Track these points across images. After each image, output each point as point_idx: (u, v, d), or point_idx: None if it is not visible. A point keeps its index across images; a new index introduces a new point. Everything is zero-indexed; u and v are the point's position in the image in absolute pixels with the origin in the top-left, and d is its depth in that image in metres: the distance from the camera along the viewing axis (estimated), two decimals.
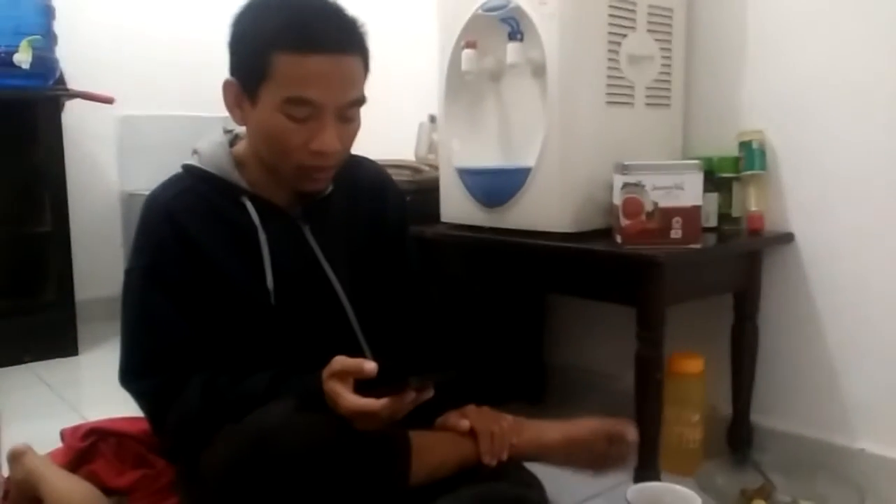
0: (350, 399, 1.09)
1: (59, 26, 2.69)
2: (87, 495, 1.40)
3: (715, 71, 1.83)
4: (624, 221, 1.49)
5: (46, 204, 2.68)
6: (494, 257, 1.80)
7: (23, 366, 2.56)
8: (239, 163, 1.30)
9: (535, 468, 1.32)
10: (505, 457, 1.25)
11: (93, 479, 1.48)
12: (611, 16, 1.61)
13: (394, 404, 1.09)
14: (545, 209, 1.63)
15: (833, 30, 1.65)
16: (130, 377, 1.25)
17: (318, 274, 1.33)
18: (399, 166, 2.00)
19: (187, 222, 1.25)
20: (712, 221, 1.70)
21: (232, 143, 1.34)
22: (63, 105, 2.70)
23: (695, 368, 1.73)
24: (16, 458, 1.44)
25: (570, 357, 2.19)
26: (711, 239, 1.66)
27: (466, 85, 1.78)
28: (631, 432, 1.30)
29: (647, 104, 1.73)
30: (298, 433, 1.09)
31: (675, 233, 1.49)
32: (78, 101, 2.75)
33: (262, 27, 1.19)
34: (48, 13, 2.64)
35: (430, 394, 1.11)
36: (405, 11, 2.67)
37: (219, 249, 1.25)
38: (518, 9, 1.62)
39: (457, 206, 1.82)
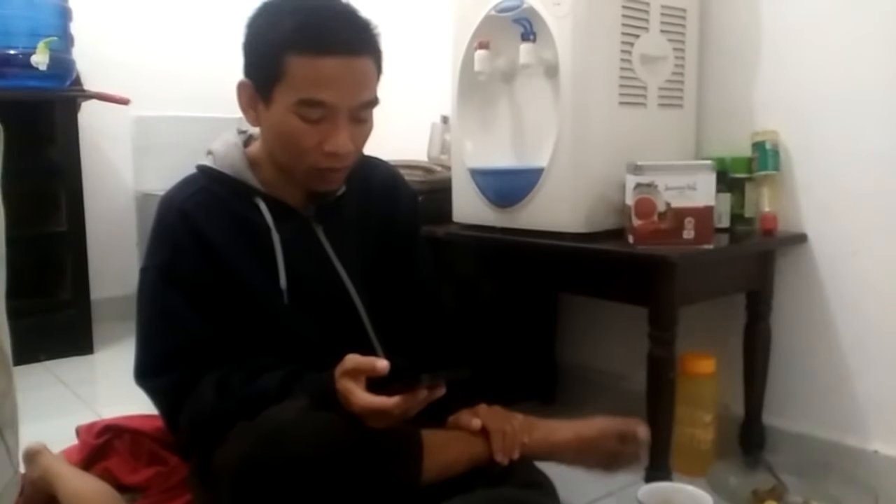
0: (362, 397, 1.10)
1: (75, 28, 2.71)
2: (101, 493, 1.42)
3: (728, 71, 1.83)
4: (636, 222, 1.49)
5: (62, 204, 2.70)
6: (506, 257, 1.80)
7: (39, 364, 2.59)
8: (253, 163, 1.32)
9: (546, 467, 1.32)
10: (516, 455, 1.26)
11: (107, 475, 1.50)
12: (624, 16, 1.61)
13: (406, 402, 1.09)
14: (557, 209, 1.62)
15: (847, 30, 1.64)
16: (145, 375, 1.26)
17: (330, 274, 1.34)
18: (411, 167, 2.00)
19: (202, 222, 1.26)
20: (725, 222, 1.70)
21: (246, 143, 1.35)
22: (79, 106, 2.72)
23: (707, 369, 1.73)
24: (31, 457, 1.46)
25: (582, 357, 2.18)
26: (724, 239, 1.65)
27: (479, 85, 1.78)
28: (642, 431, 1.31)
29: (660, 104, 1.72)
30: (311, 431, 1.10)
31: (688, 233, 1.48)
32: (94, 101, 2.76)
33: (276, 29, 1.20)
34: (65, 15, 2.66)
35: (441, 392, 1.12)
36: (418, 12, 2.67)
37: (233, 249, 1.27)
38: (531, 9, 1.62)
39: (469, 207, 1.82)
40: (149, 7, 3.25)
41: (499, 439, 1.26)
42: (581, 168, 1.60)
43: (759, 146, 1.71)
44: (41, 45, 2.51)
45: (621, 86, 1.63)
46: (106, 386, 2.53)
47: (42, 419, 1.86)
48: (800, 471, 1.57)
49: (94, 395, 2.40)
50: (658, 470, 1.52)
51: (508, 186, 1.71)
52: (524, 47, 1.64)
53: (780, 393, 1.78)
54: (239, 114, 1.29)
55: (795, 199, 1.73)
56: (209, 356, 1.23)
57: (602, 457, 1.32)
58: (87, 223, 2.74)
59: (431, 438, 1.21)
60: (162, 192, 1.34)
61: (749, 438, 1.78)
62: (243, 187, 1.30)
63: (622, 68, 1.63)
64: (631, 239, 1.52)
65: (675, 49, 1.73)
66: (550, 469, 1.32)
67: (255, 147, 1.34)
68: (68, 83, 2.66)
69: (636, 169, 1.50)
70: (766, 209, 1.70)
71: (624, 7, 1.61)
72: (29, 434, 1.25)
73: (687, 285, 1.52)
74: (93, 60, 2.83)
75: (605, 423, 1.32)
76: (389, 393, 1.09)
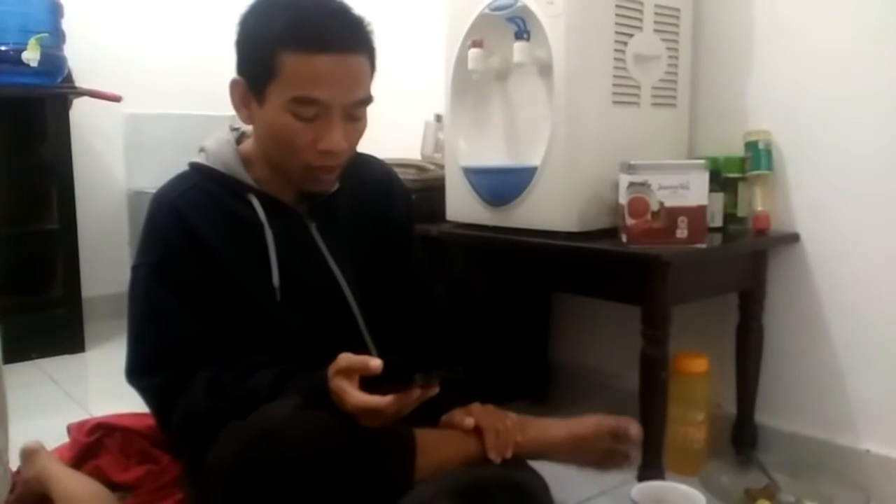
0: (356, 396, 1.10)
1: (66, 24, 2.71)
2: (95, 494, 1.42)
3: (721, 70, 1.83)
4: (629, 221, 1.49)
5: (54, 201, 2.70)
6: (500, 256, 1.80)
7: (30, 362, 2.59)
8: (245, 160, 1.31)
9: (539, 465, 1.32)
10: (510, 454, 1.26)
11: (98, 473, 1.50)
12: (618, 15, 1.61)
13: (399, 401, 1.09)
14: (551, 208, 1.62)
15: (841, 30, 1.64)
16: (137, 373, 1.26)
17: (323, 271, 1.34)
18: (405, 165, 2.00)
19: (194, 219, 1.25)
20: (718, 221, 1.70)
21: (238, 141, 1.35)
22: (71, 103, 2.71)
23: (699, 368, 1.73)
24: (28, 456, 1.46)
25: (575, 356, 2.19)
26: (717, 239, 1.65)
27: (473, 84, 1.78)
28: (635, 429, 1.31)
29: (654, 104, 1.72)
30: (303, 430, 1.10)
31: (681, 232, 1.48)
32: (85, 99, 2.76)
33: (269, 26, 1.19)
34: (56, 11, 2.66)
35: (435, 391, 1.12)
36: (412, 10, 2.67)
37: (225, 246, 1.26)
38: (525, 8, 1.62)
39: (462, 205, 1.81)
40: (140, 4, 3.24)
41: (492, 438, 1.26)
42: (574, 167, 1.60)
43: (751, 146, 1.72)
44: (32, 41, 2.50)
45: (615, 85, 1.64)
46: (97, 384, 2.53)
47: (33, 417, 1.86)
48: (792, 470, 1.58)
49: (85, 393, 2.40)
50: (651, 469, 1.52)
51: (502, 185, 1.71)
52: (518, 46, 1.64)
53: (773, 392, 1.79)
54: (231, 111, 1.28)
55: (788, 199, 1.73)
56: (201, 354, 1.23)
57: (595, 455, 1.32)
58: (79, 221, 2.73)
59: (424, 437, 1.21)
60: (154, 190, 1.33)
61: (741, 437, 1.79)
62: (236, 184, 1.29)
63: (615, 67, 1.63)
64: (624, 238, 1.52)
65: (668, 48, 1.74)
66: (543, 467, 1.32)
67: (247, 145, 1.34)
68: (59, 80, 2.66)
69: (629, 168, 1.50)
70: (759, 209, 1.70)
71: (617, 6, 1.61)
72: (20, 432, 1.25)
73: (680, 284, 1.51)
74: (84, 57, 2.83)
75: (598, 421, 1.32)
76: (383, 392, 1.09)
